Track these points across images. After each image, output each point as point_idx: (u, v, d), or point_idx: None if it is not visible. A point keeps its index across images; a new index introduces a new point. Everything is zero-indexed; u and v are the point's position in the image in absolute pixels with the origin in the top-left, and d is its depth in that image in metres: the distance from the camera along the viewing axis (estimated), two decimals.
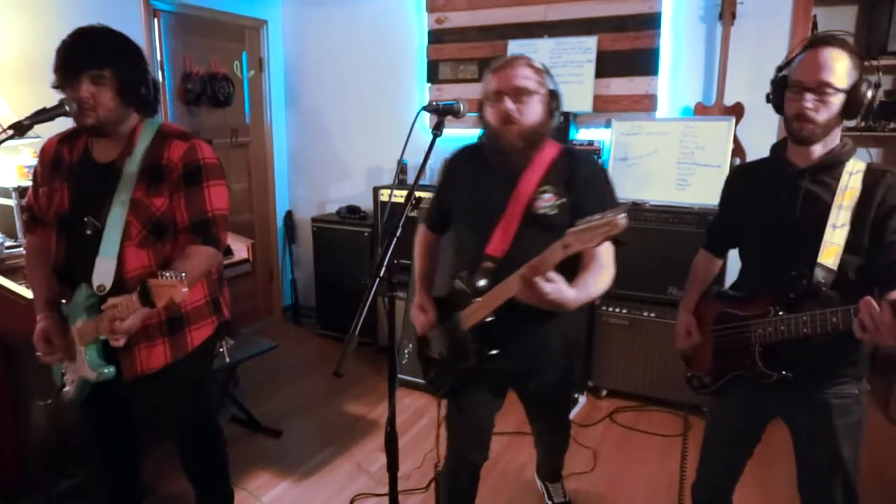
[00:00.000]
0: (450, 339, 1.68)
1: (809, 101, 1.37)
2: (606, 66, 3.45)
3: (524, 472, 2.59)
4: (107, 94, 1.54)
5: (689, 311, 1.75)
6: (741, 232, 1.65)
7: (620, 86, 3.46)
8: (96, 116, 1.54)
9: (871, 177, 1.42)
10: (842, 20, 3.31)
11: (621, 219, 1.20)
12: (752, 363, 1.50)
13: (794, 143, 1.46)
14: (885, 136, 3.22)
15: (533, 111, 1.59)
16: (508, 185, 1.64)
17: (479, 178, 1.69)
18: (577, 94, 3.51)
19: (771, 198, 1.52)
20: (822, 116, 1.38)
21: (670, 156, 3.15)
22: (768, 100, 1.52)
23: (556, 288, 1.39)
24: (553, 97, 1.64)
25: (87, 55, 1.52)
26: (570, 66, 3.53)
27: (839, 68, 1.37)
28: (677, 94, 3.40)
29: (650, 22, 3.34)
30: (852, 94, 1.38)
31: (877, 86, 1.40)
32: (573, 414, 3.10)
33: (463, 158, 1.79)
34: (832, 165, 1.44)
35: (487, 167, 1.67)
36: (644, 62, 3.39)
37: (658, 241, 2.98)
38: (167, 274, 1.36)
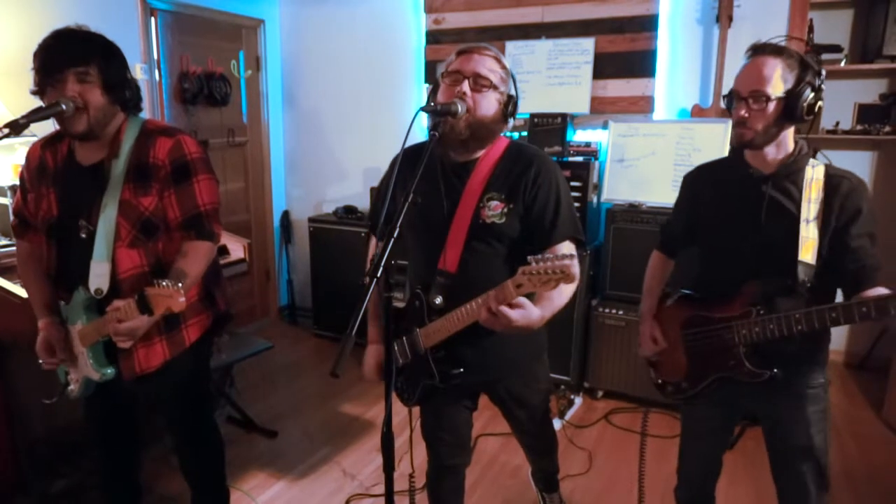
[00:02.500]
0: (412, 355, 1.64)
1: (743, 109, 1.43)
2: (604, 67, 3.46)
3: (520, 472, 2.59)
4: (95, 92, 1.52)
5: (651, 317, 1.76)
6: (704, 234, 1.66)
7: (617, 87, 3.47)
8: (87, 120, 1.52)
9: (830, 181, 1.46)
10: (837, 24, 3.33)
11: (574, 268, 1.22)
12: (739, 364, 1.52)
13: (739, 147, 1.51)
14: (881, 140, 3.24)
15: (487, 104, 1.51)
16: (454, 192, 1.58)
17: (424, 187, 1.54)
18: (575, 95, 3.52)
19: (738, 203, 1.54)
20: (759, 124, 1.43)
21: (667, 157, 3.15)
22: (728, 110, 1.55)
23: (523, 314, 1.35)
24: (511, 102, 1.56)
25: (70, 53, 1.49)
26: (567, 68, 3.53)
27: (772, 75, 1.40)
28: (674, 95, 3.41)
29: (647, 24, 3.35)
30: (790, 98, 1.41)
31: (817, 88, 1.42)
32: (569, 415, 3.11)
33: (409, 162, 1.60)
34: (794, 171, 1.48)
35: (433, 170, 1.59)
36: (641, 64, 3.40)
37: (655, 242, 2.98)
38: (164, 283, 1.37)
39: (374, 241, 1.84)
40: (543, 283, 1.26)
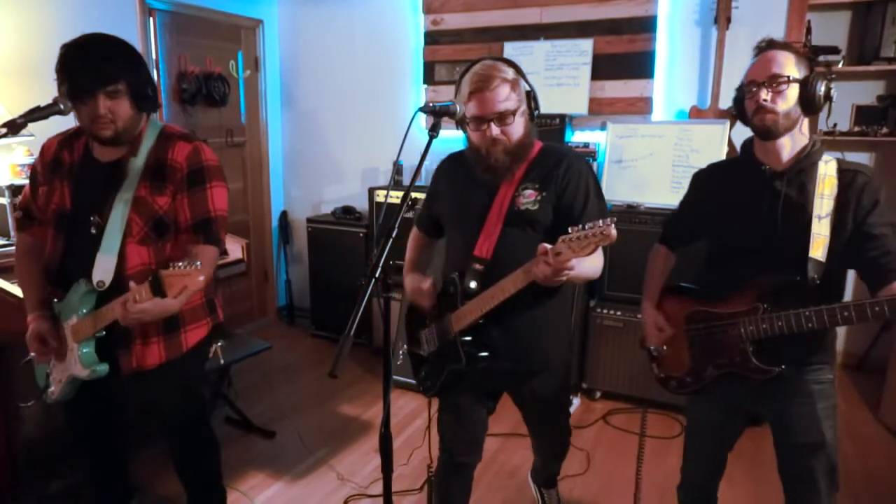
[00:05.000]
0: (440, 340, 1.69)
1: (764, 92, 1.44)
2: (602, 68, 3.47)
3: (518, 473, 2.59)
4: (124, 105, 1.55)
5: (654, 307, 1.76)
6: (715, 232, 1.66)
7: (616, 88, 3.48)
8: (115, 128, 1.55)
9: (843, 176, 1.47)
10: (835, 25, 3.33)
11: (613, 230, 1.26)
12: (745, 360, 1.52)
13: (760, 137, 1.51)
14: (878, 141, 3.25)
15: (517, 128, 1.60)
16: (493, 185, 1.66)
17: (464, 183, 1.71)
18: (573, 96, 3.52)
19: (749, 201, 1.54)
20: (781, 107, 1.44)
21: (665, 158, 3.16)
22: (733, 115, 1.58)
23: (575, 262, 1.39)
24: (529, 99, 1.64)
25: (100, 73, 1.50)
26: (565, 69, 3.54)
27: (786, 63, 1.44)
28: (672, 97, 3.42)
29: (646, 25, 3.36)
30: (805, 84, 1.44)
31: (829, 79, 1.45)
32: None
33: (451, 165, 1.82)
34: (808, 167, 1.49)
35: (472, 172, 1.69)
36: (639, 65, 3.40)
37: (653, 243, 2.97)
38: (180, 263, 1.36)
39: (414, 230, 1.97)
40: (583, 248, 1.31)
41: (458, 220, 1.75)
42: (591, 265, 1.57)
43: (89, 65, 1.50)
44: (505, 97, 1.56)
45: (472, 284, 1.62)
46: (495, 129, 1.57)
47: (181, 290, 1.37)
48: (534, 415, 1.86)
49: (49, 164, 1.70)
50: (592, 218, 1.56)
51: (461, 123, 1.65)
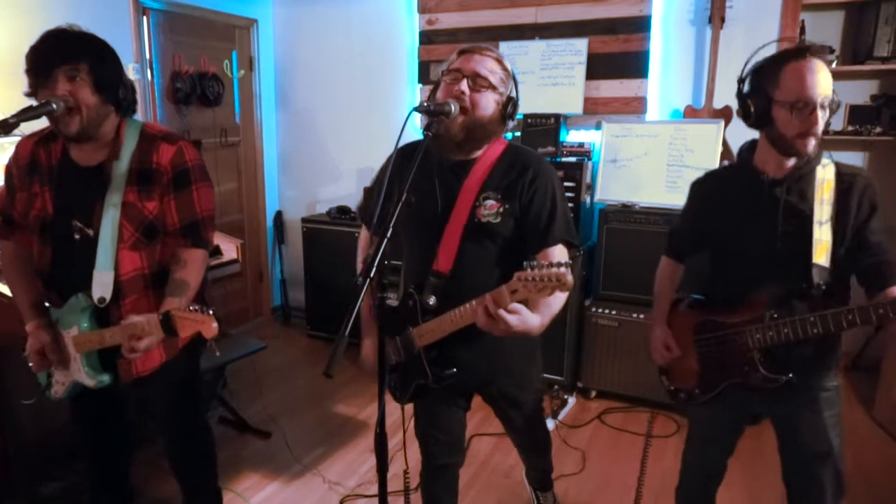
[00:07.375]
0: (406, 353, 1.63)
1: (821, 117, 1.35)
2: (597, 68, 3.47)
3: (513, 473, 2.59)
4: (85, 90, 1.50)
5: (663, 323, 1.73)
6: (716, 241, 1.63)
7: (611, 88, 3.48)
8: (80, 120, 1.50)
9: (843, 179, 1.44)
10: (829, 25, 3.34)
11: (569, 277, 1.20)
12: (753, 369, 1.50)
13: (786, 155, 1.44)
14: (872, 141, 3.26)
15: (485, 105, 1.51)
16: (451, 191, 1.58)
17: (420, 184, 1.56)
18: (568, 96, 3.52)
19: (749, 210, 1.52)
20: (821, 128, 1.39)
21: (660, 158, 3.16)
22: (746, 114, 1.46)
23: (521, 319, 1.35)
24: (510, 104, 1.56)
25: (60, 52, 1.48)
26: (560, 69, 3.54)
27: (830, 80, 1.37)
28: (667, 96, 3.43)
29: (640, 25, 3.36)
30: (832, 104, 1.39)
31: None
32: (562, 415, 3.11)
33: (405, 162, 1.57)
34: (807, 173, 1.46)
35: (430, 169, 1.59)
36: (634, 65, 3.41)
37: (648, 242, 3.00)
38: (194, 307, 1.38)
39: (364, 231, 1.84)
40: (539, 291, 1.24)
41: (414, 230, 1.65)
42: (553, 310, 1.47)
43: (51, 44, 1.49)
44: (490, 68, 1.51)
45: (431, 300, 1.56)
46: (465, 86, 1.49)
47: (194, 334, 1.39)
48: (504, 413, 1.84)
49: (25, 167, 1.66)
50: (559, 233, 1.55)
51: (435, 89, 1.59)
